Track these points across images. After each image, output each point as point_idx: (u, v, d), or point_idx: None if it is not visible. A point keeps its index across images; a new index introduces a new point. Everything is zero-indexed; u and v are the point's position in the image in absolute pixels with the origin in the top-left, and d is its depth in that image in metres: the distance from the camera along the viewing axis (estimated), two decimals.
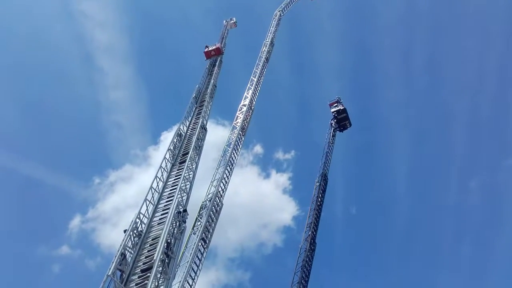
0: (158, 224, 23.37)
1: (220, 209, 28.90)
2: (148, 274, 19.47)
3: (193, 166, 28.87)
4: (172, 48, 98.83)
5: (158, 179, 26.50)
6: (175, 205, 23.73)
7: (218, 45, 46.36)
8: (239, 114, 36.88)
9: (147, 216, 23.60)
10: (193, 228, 26.94)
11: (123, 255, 20.43)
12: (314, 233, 44.97)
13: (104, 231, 77.69)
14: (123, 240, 21.13)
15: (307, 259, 42.55)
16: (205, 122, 34.31)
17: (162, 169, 27.56)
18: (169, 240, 21.90)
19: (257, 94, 40.47)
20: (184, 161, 28.59)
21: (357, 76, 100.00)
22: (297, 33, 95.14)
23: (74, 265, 74.40)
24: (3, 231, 71.59)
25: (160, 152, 66.16)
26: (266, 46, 47.07)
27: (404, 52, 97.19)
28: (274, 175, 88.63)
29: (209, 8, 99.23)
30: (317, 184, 49.15)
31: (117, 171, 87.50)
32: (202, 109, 35.79)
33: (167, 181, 27.15)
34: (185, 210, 24.58)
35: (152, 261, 20.13)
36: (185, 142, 31.63)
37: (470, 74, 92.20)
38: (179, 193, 25.22)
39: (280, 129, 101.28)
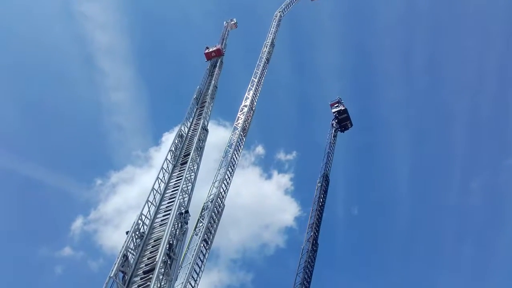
0: (160, 225, 23.30)
1: (222, 210, 28.85)
2: (150, 275, 19.40)
3: (195, 167, 28.83)
4: (173, 49, 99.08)
5: (159, 180, 26.43)
6: (176, 206, 23.66)
7: (218, 46, 46.30)
8: (240, 115, 36.85)
9: (149, 217, 23.54)
10: (195, 229, 26.90)
11: (125, 257, 20.36)
12: (316, 233, 44.96)
13: (106, 233, 77.81)
14: (125, 241, 21.06)
15: (309, 259, 42.53)
16: (206, 123, 34.27)
17: (164, 170, 27.51)
18: (171, 242, 21.82)
19: (258, 94, 40.46)
20: (186, 162, 28.55)
21: (357, 76, 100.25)
22: (298, 33, 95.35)
23: (76, 266, 74.53)
24: (5, 233, 71.88)
25: (162, 153, 66.42)
26: (266, 46, 47.06)
27: (404, 52, 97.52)
28: (275, 176, 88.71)
29: (209, 9, 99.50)
30: (319, 184, 49.13)
31: (118, 173, 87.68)
32: (203, 110, 35.75)
33: (168, 182, 27.09)
34: (187, 211, 24.50)
35: (154, 262, 20.06)
36: (186, 143, 31.59)
37: (470, 74, 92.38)
38: (181, 194, 25.16)
39: (281, 129, 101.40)
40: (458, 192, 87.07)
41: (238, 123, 35.64)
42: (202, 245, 25.97)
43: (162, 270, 20.21)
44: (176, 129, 32.80)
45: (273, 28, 50.72)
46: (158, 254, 20.32)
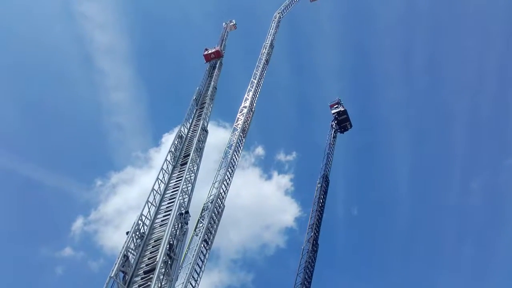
0: (160, 225, 23.37)
1: (222, 210, 28.94)
2: (151, 275, 19.47)
3: (194, 168, 28.92)
4: (172, 50, 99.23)
5: (159, 181, 26.53)
6: (177, 207, 23.74)
7: (217, 48, 46.37)
8: (239, 116, 36.95)
9: (149, 218, 23.61)
10: (195, 230, 26.99)
11: (125, 257, 20.43)
12: (316, 234, 45.06)
13: (107, 233, 77.93)
14: (125, 242, 21.14)
15: (310, 260, 42.61)
16: (206, 124, 34.37)
17: (164, 171, 27.60)
18: (171, 242, 21.88)
19: (257, 96, 40.57)
20: (185, 163, 28.64)
21: (357, 77, 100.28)
22: (297, 34, 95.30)
23: (77, 267, 74.58)
24: (5, 233, 71.98)
25: (162, 154, 66.57)
26: (266, 48, 47.16)
27: (404, 53, 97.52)
28: (275, 176, 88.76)
29: (209, 10, 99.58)
30: (319, 185, 49.23)
31: (118, 173, 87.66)
32: (202, 111, 35.86)
33: (168, 183, 27.18)
34: (187, 212, 24.56)
35: (155, 262, 20.14)
36: (186, 144, 31.69)
37: (470, 74, 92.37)
38: (181, 194, 25.26)
39: (281, 130, 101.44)
40: (458, 192, 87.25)
41: (238, 124, 35.74)
42: (202, 245, 26.06)
43: (163, 270, 20.27)
44: (176, 130, 32.92)
45: (272, 29, 50.82)
46: (159, 254, 20.39)
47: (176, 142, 30.94)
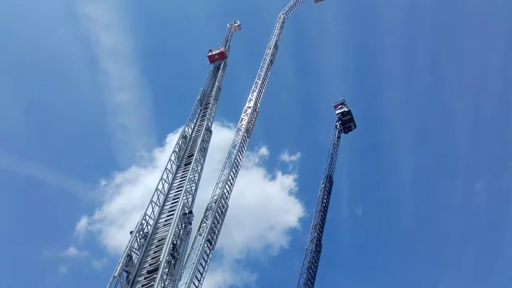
0: (164, 225, 23.49)
1: (226, 210, 28.98)
2: (154, 275, 19.57)
3: (198, 168, 28.99)
4: (176, 51, 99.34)
5: (163, 181, 26.64)
6: (180, 207, 23.84)
7: (221, 49, 46.34)
8: (244, 116, 36.99)
9: (153, 217, 23.73)
10: (198, 230, 27.03)
11: (129, 257, 20.55)
12: (320, 234, 44.98)
13: (111, 233, 78.15)
14: (129, 241, 21.26)
15: (313, 260, 42.55)
16: (210, 124, 34.42)
17: (168, 171, 27.70)
18: (175, 242, 22.00)
19: (261, 96, 40.61)
20: (189, 163, 28.72)
21: (361, 77, 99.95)
22: (301, 35, 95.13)
23: (81, 266, 74.75)
24: (10, 233, 72.21)
25: (166, 154, 66.44)
26: (270, 48, 47.18)
27: (407, 53, 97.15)
28: (279, 176, 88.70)
29: (213, 11, 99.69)
30: (322, 185, 49.16)
31: (123, 173, 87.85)
32: (207, 111, 35.93)
33: (172, 182, 27.29)
34: (190, 212, 24.67)
35: (158, 262, 20.23)
36: (190, 144, 31.77)
37: (474, 73, 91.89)
38: (185, 194, 25.34)
39: (285, 131, 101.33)
40: (462, 193, 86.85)
41: (242, 124, 35.79)
42: (205, 245, 26.10)
43: (166, 270, 20.37)
44: (180, 130, 33.02)
45: (276, 30, 50.85)
46: (162, 254, 20.49)
47: (180, 142, 31.03)
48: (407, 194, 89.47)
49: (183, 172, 28.35)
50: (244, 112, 37.49)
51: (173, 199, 25.63)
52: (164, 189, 26.18)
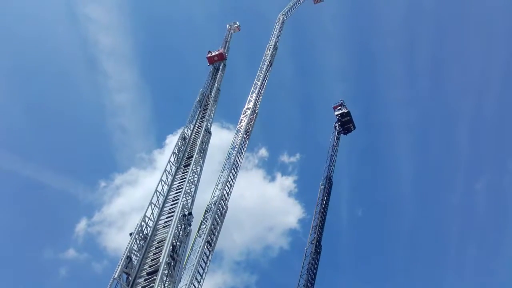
0: (163, 227, 23.47)
1: (225, 212, 28.95)
2: (154, 277, 19.57)
3: (198, 169, 28.99)
4: (176, 51, 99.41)
5: (163, 183, 26.63)
6: (180, 208, 23.84)
7: (221, 50, 46.31)
8: (243, 117, 36.97)
9: (152, 219, 23.71)
10: (198, 231, 26.99)
11: (129, 258, 20.54)
12: (320, 235, 44.92)
13: (110, 234, 78.15)
14: (129, 243, 21.25)
15: (313, 261, 42.48)
16: (209, 126, 34.44)
17: (167, 173, 27.69)
18: (174, 243, 21.99)
19: (261, 97, 40.57)
20: (189, 164, 28.72)
21: (360, 78, 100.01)
22: (301, 36, 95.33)
23: (80, 268, 74.68)
24: (9, 235, 72.16)
25: (165, 156, 66.47)
26: (269, 49, 47.15)
27: (407, 53, 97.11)
28: (279, 178, 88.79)
29: (212, 11, 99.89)
30: (322, 187, 49.12)
31: (122, 175, 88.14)
32: (206, 112, 35.94)
33: (172, 184, 27.28)
34: (190, 213, 24.67)
35: (158, 264, 20.22)
36: (189, 145, 31.76)
37: (474, 74, 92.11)
38: (184, 196, 25.34)
39: (285, 132, 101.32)
40: (462, 193, 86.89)
41: (241, 126, 35.76)
42: (205, 246, 26.06)
43: (166, 271, 20.36)
44: (180, 131, 33.04)
45: (276, 31, 50.81)
46: (162, 255, 20.48)
47: (179, 144, 31.03)
48: (406, 195, 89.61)
49: (182, 173, 28.34)
50: (244, 113, 37.47)
51: (173, 201, 25.62)
52: (163, 191, 26.18)
